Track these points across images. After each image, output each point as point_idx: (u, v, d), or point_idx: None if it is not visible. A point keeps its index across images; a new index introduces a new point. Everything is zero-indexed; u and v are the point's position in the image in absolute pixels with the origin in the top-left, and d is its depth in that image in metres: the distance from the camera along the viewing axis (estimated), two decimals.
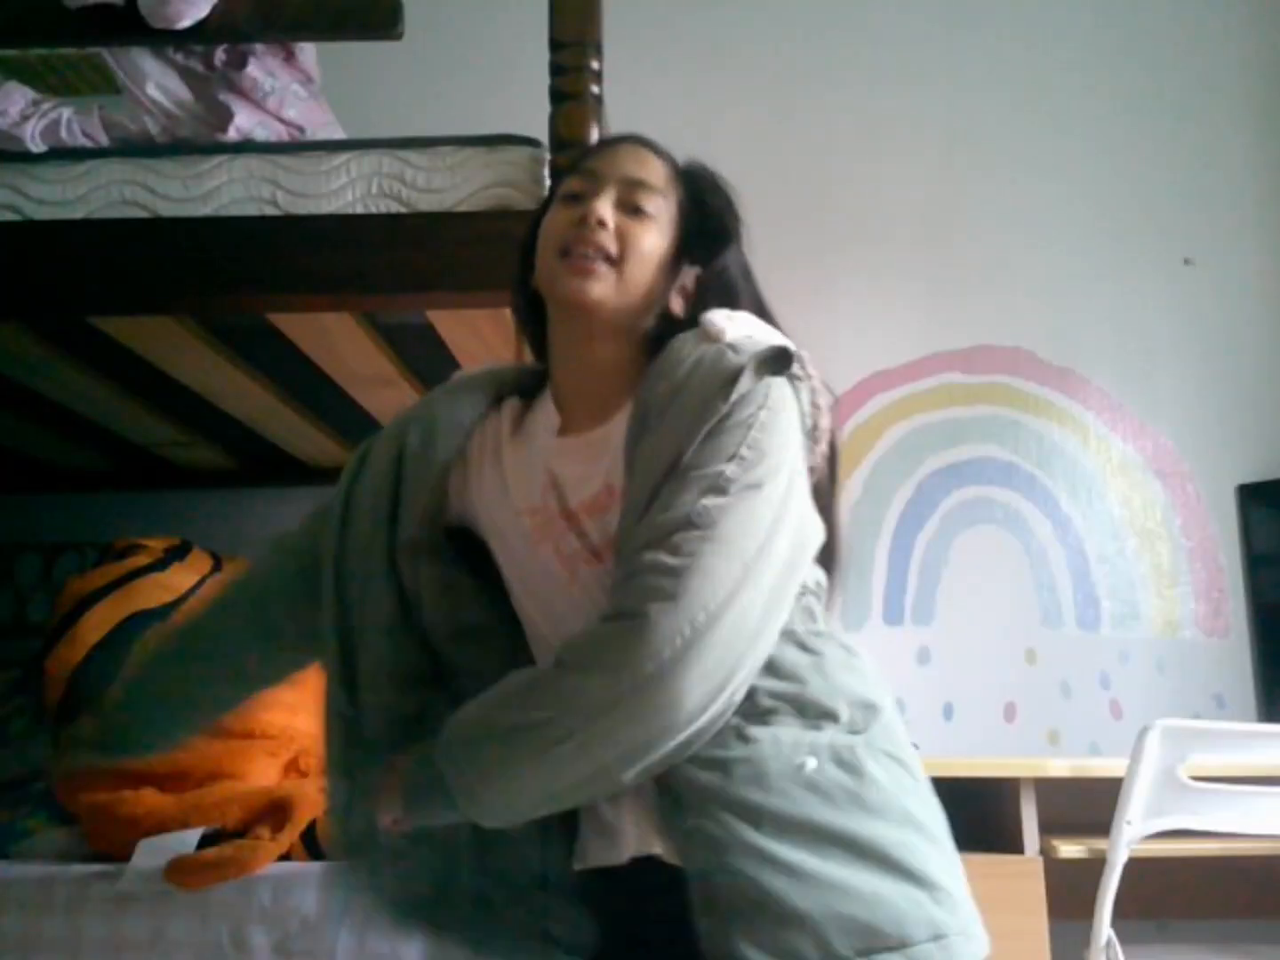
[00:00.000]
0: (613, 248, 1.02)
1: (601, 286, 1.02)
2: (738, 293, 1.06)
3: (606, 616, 0.87)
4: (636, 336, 1.05)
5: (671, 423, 0.92)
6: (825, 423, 1.00)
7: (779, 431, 0.93)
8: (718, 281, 1.06)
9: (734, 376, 0.92)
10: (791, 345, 0.97)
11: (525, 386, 1.14)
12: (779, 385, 0.95)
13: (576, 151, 1.16)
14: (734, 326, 0.98)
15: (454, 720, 0.89)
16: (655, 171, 1.07)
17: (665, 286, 1.05)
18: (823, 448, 1.00)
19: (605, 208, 1.04)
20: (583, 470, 1.01)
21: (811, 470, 0.98)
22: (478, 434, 1.10)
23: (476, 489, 1.08)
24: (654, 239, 1.04)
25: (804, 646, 0.94)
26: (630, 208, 1.05)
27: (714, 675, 0.83)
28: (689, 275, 1.06)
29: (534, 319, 1.12)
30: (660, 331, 1.04)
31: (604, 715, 0.82)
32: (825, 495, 1.01)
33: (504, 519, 1.04)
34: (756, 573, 0.86)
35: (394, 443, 1.09)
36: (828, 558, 1.01)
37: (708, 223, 1.07)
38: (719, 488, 0.88)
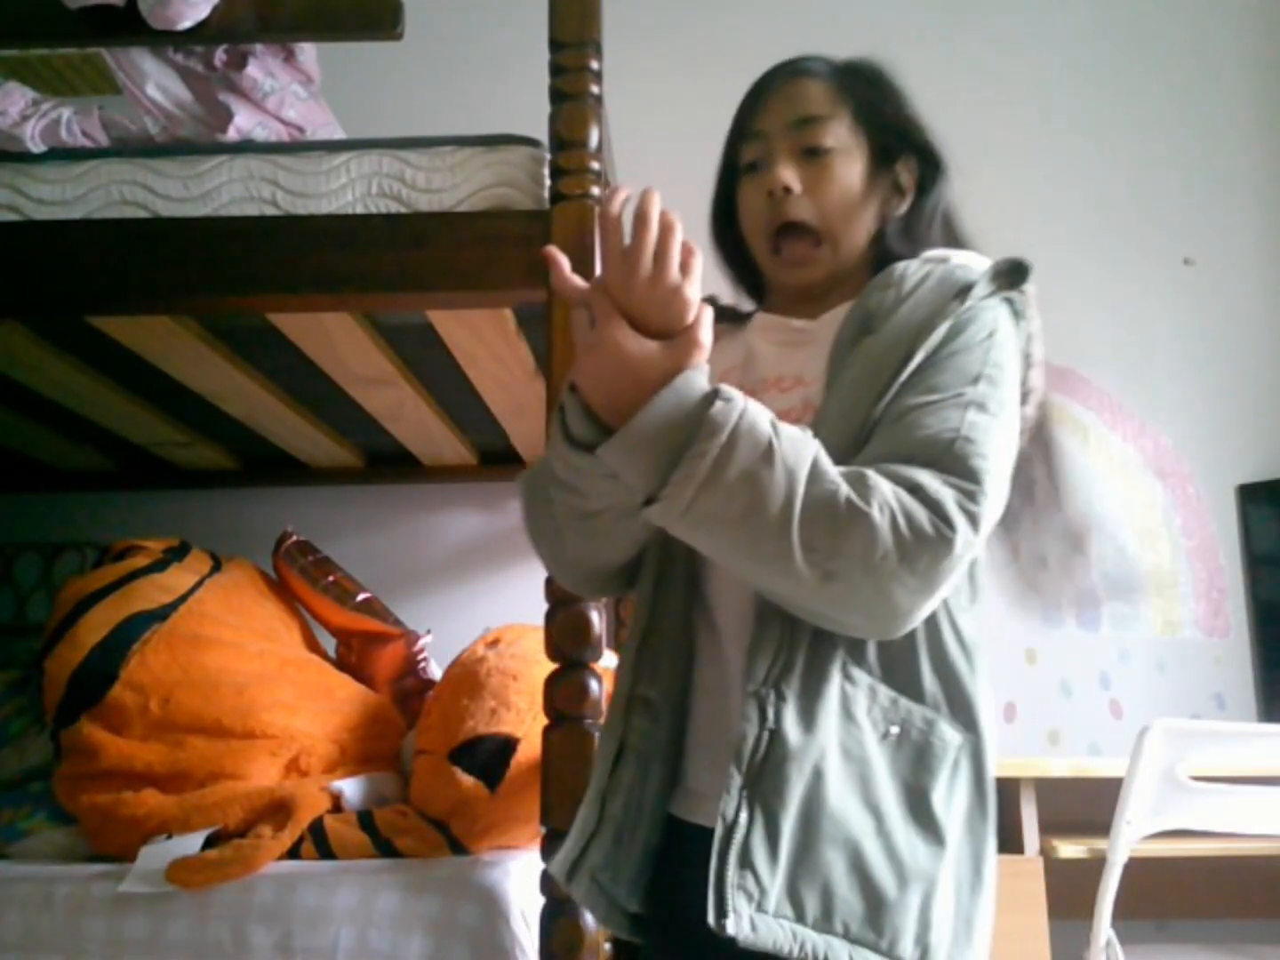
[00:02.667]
0: (811, 217, 1.00)
1: (816, 269, 1.02)
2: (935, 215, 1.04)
3: (897, 521, 0.79)
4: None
5: (899, 326, 0.90)
6: (1039, 351, 0.97)
7: (1011, 355, 0.91)
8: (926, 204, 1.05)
9: (967, 288, 0.91)
10: (1026, 260, 0.94)
11: (733, 316, 1.10)
12: (1004, 309, 0.93)
13: (743, 108, 1.08)
14: (957, 254, 0.98)
15: (754, 431, 0.78)
16: (817, 98, 1.03)
17: (876, 202, 1.04)
18: (1037, 374, 0.98)
19: (784, 172, 1.00)
20: (779, 353, 1.01)
21: (1027, 395, 0.96)
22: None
23: None
24: (842, 171, 1.01)
25: None
26: (807, 151, 1.01)
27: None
28: (902, 174, 1.05)
29: (735, 258, 1.12)
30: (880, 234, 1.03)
31: (870, 583, 0.79)
32: (1045, 423, 1.00)
33: None
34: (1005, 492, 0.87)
35: None
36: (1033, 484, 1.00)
37: (886, 133, 1.05)
38: (982, 406, 0.85)
